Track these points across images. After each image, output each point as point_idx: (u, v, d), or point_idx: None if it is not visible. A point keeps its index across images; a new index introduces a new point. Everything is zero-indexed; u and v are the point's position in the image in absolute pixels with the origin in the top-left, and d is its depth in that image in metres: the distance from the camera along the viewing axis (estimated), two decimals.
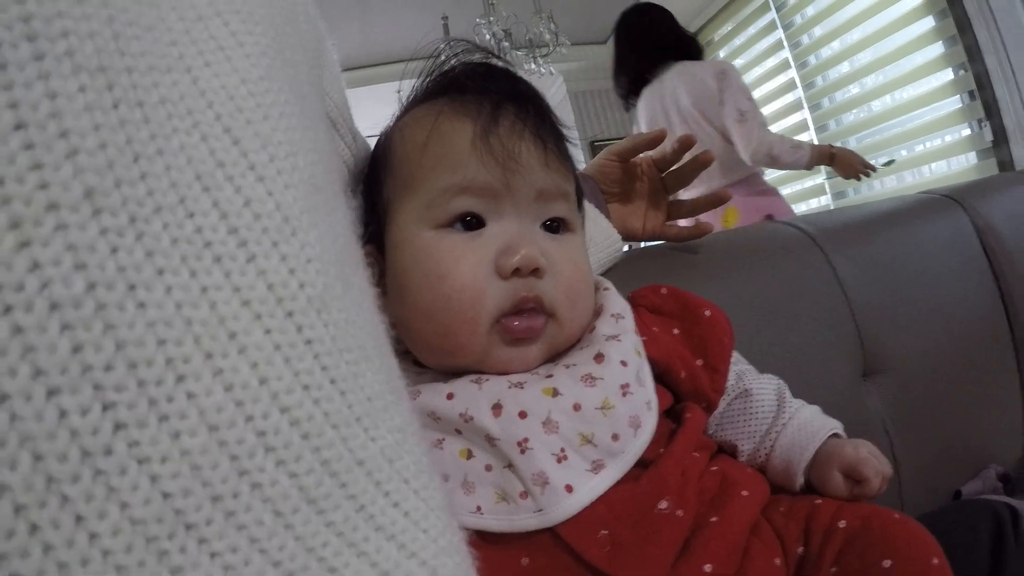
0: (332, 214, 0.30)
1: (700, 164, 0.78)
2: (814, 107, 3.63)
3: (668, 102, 2.19)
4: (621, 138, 2.84)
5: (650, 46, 2.24)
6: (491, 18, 3.62)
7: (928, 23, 2.97)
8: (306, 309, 0.25)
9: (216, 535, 0.21)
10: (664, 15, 2.28)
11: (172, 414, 0.20)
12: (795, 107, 3.73)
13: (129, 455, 0.19)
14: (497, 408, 0.43)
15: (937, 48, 2.97)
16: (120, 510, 0.19)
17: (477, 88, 0.50)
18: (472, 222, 0.47)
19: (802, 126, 3.68)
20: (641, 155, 0.80)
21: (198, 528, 0.20)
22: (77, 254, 0.19)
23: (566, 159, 0.52)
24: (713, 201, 0.81)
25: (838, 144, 2.44)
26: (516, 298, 0.46)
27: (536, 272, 0.46)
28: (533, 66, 3.88)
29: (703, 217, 0.90)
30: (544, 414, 0.43)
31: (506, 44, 3.70)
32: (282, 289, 0.24)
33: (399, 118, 0.55)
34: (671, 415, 0.53)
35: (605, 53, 5.06)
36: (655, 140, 0.78)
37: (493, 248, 0.46)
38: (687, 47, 2.28)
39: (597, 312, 0.53)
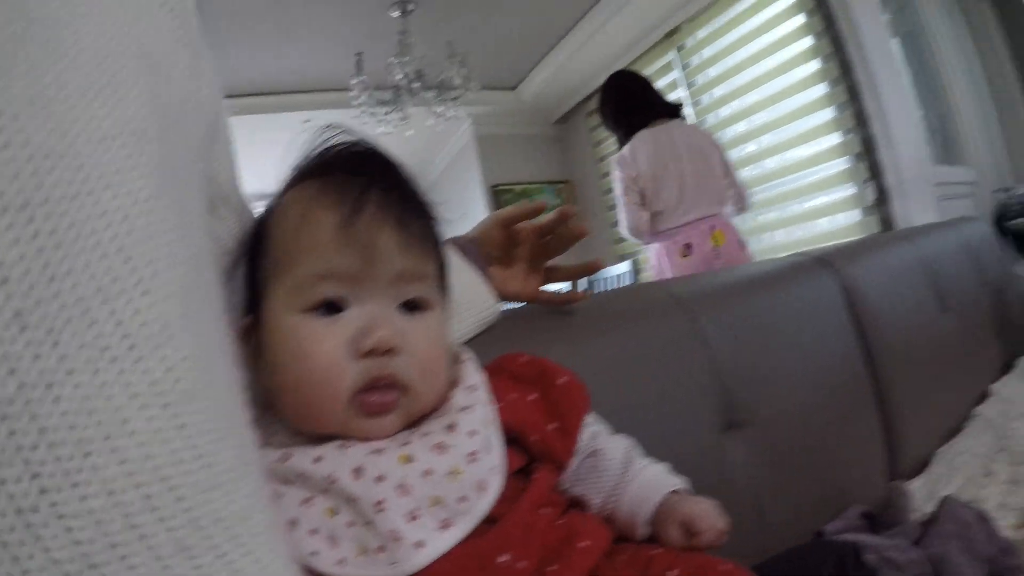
0: (205, 312, 0.38)
1: (576, 235, 0.88)
2: None
3: (678, 140, 2.65)
4: (522, 184, 3.16)
5: (643, 103, 2.74)
6: (405, 58, 3.72)
7: (821, 90, 3.29)
8: (180, 400, 0.32)
9: (113, 573, 0.28)
10: (646, 80, 2.82)
11: (82, 482, 0.28)
12: None
13: (51, 513, 0.27)
14: (358, 472, 0.50)
15: (828, 113, 3.29)
16: (44, 553, 0.26)
17: (348, 172, 0.56)
18: (334, 306, 0.53)
19: None
20: (524, 223, 0.88)
21: (100, 567, 0.28)
22: (9, 363, 0.27)
23: (428, 241, 0.59)
24: (586, 269, 0.90)
25: None
26: (370, 376, 0.52)
27: (391, 351, 0.53)
28: (441, 108, 3.98)
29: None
30: (399, 478, 0.50)
31: (417, 84, 3.79)
32: (162, 384, 0.32)
33: (278, 197, 0.60)
34: (526, 474, 0.60)
35: (514, 99, 5.25)
36: (537, 210, 0.87)
37: (351, 331, 0.53)
38: (675, 107, 2.78)
39: (454, 383, 0.60)
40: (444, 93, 3.93)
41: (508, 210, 0.88)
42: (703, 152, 2.67)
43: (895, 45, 3.33)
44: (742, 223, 2.90)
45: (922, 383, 1.38)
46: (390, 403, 0.53)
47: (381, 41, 3.67)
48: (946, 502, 1.01)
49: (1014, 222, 3.15)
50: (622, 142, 2.74)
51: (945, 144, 3.41)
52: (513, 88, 5.16)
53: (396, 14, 3.62)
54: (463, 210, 5.74)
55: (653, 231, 2.66)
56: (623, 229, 2.71)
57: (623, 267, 4.31)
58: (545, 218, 0.87)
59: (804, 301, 1.20)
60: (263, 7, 3.36)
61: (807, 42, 3.33)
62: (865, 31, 3.08)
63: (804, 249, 1.47)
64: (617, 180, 2.67)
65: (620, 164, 2.66)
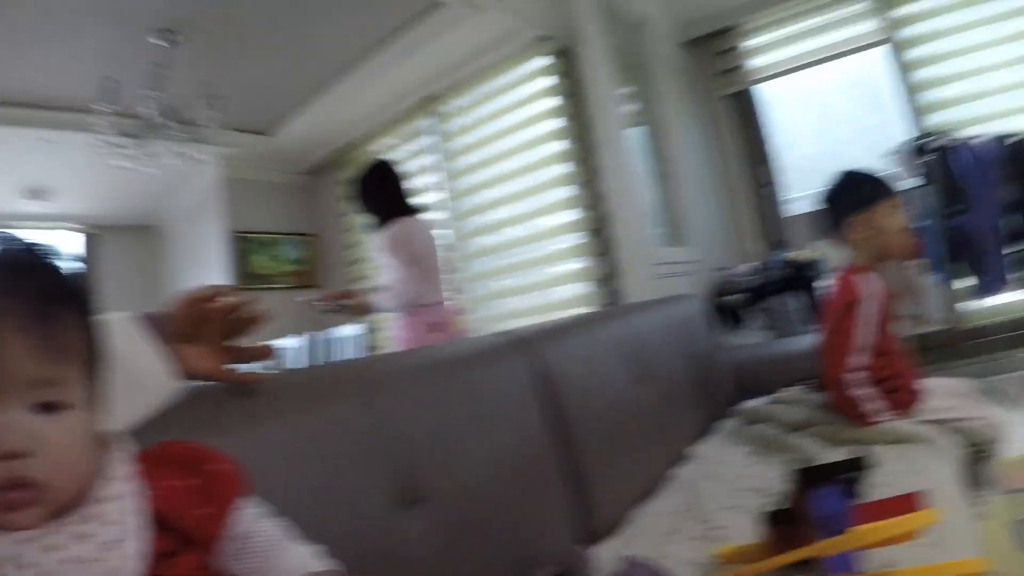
0: None
1: (258, 319, 0.95)
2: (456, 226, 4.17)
3: (429, 232, 2.97)
4: (267, 233, 3.55)
5: (401, 194, 2.95)
6: (159, 91, 3.59)
7: (565, 168, 3.63)
8: None
9: None
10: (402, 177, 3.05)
11: None
12: (440, 224, 4.16)
13: None
14: (7, 561, 0.53)
15: (570, 190, 3.62)
16: None
17: None
18: None
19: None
20: (210, 303, 0.92)
21: None
22: None
23: (65, 344, 0.60)
24: (262, 352, 0.97)
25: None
26: None
27: (20, 455, 0.54)
28: (185, 148, 3.87)
29: None
30: (45, 567, 0.53)
31: (168, 120, 3.67)
32: None
33: None
34: (175, 556, 0.64)
35: (265, 143, 5.14)
36: (224, 291, 0.93)
37: None
38: (422, 207, 3.02)
39: (102, 473, 0.62)
40: (191, 132, 3.82)
41: (197, 289, 0.92)
42: (438, 247, 3.03)
43: (639, 133, 3.70)
44: (483, 288, 3.10)
45: (616, 451, 1.53)
46: (23, 500, 0.55)
47: (135, 69, 3.48)
48: (626, 561, 1.10)
49: (726, 298, 3.57)
50: (381, 223, 2.89)
51: (674, 226, 3.81)
52: (268, 133, 5.08)
53: (160, 43, 3.44)
54: (204, 255, 5.55)
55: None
56: (394, 296, 2.83)
57: (357, 328, 4.41)
58: (227, 300, 0.92)
59: (497, 380, 1.30)
60: (6, 3, 2.98)
61: (557, 123, 3.65)
62: (609, 118, 3.40)
63: (512, 327, 1.60)
64: (396, 254, 2.81)
65: (399, 241, 2.81)
